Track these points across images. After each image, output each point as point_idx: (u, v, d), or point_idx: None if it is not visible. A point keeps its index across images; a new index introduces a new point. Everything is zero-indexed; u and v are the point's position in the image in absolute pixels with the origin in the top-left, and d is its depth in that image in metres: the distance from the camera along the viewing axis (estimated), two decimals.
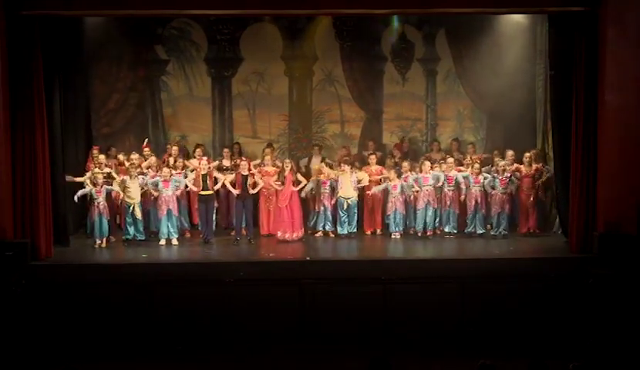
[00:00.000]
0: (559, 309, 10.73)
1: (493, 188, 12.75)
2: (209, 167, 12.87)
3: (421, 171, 12.93)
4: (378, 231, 13.30)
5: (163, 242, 12.37)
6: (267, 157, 13.21)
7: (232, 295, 10.72)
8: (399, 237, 12.86)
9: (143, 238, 12.45)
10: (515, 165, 12.90)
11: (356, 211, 12.96)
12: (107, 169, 12.67)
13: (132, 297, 10.66)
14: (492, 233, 12.77)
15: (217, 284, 10.73)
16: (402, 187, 12.88)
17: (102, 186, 12.24)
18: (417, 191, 12.80)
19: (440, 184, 12.84)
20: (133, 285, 10.70)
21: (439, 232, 13.06)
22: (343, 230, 12.84)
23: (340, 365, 10.08)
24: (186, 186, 12.77)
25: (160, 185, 12.42)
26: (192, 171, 12.89)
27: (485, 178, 12.82)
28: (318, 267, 11.15)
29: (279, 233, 12.58)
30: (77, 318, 10.58)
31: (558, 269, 10.99)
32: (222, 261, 11.55)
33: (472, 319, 10.77)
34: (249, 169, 12.70)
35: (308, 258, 11.59)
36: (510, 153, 13.14)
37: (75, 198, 12.28)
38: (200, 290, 10.73)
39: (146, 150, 13.37)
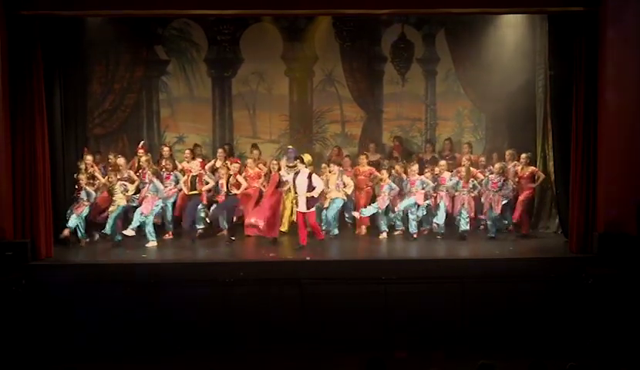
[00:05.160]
0: (559, 309, 10.73)
1: (487, 188, 12.78)
2: (201, 170, 12.86)
3: (407, 173, 12.98)
4: (364, 229, 13.28)
5: (129, 233, 12.22)
6: (249, 160, 13.24)
7: (232, 295, 10.72)
8: (385, 237, 12.89)
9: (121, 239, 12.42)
10: (511, 167, 12.95)
11: (337, 212, 12.96)
12: (91, 170, 12.67)
13: (132, 297, 10.65)
14: (489, 236, 12.75)
15: (217, 284, 10.72)
16: (391, 190, 12.92)
17: (82, 189, 12.24)
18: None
19: (426, 190, 12.84)
20: (133, 285, 10.69)
21: (425, 233, 13.08)
22: (333, 231, 12.93)
23: (340, 365, 10.07)
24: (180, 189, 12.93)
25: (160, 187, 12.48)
26: (182, 172, 13.06)
27: (474, 184, 12.85)
28: (318, 267, 11.16)
29: (252, 220, 12.44)
30: (77, 318, 10.57)
31: (558, 269, 10.98)
32: (222, 261, 11.55)
33: (472, 319, 10.76)
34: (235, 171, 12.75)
35: (308, 258, 11.59)
36: (508, 152, 13.24)
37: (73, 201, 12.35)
38: (200, 290, 10.72)
39: (141, 152, 13.33)
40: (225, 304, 10.68)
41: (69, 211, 12.23)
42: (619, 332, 10.22)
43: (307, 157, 12.76)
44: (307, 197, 12.02)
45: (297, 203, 12.31)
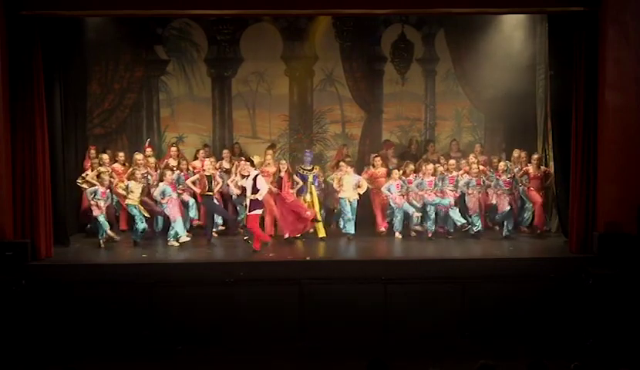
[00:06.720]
0: (559, 309, 10.73)
1: (498, 188, 12.80)
2: (215, 168, 12.91)
3: (423, 174, 12.99)
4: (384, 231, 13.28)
5: (176, 243, 12.28)
6: (269, 157, 13.23)
7: (232, 295, 10.71)
8: (400, 237, 12.89)
9: (140, 239, 12.44)
10: (524, 167, 12.98)
11: (355, 212, 12.97)
12: (102, 169, 12.68)
13: (132, 297, 10.64)
14: (504, 233, 12.78)
15: (217, 284, 10.72)
16: (402, 187, 12.91)
17: (107, 188, 12.30)
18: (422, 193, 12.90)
19: (436, 189, 12.91)
20: (133, 285, 10.68)
21: (441, 230, 13.08)
22: (350, 229, 12.87)
23: (339, 366, 10.06)
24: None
25: (169, 190, 12.41)
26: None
27: (485, 182, 12.88)
28: (318, 267, 11.16)
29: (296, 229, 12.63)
30: (77, 318, 10.57)
31: (558, 269, 10.98)
32: (222, 261, 11.56)
33: (472, 319, 10.75)
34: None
35: (308, 258, 11.60)
36: (515, 154, 13.27)
37: (89, 197, 12.36)
38: (200, 290, 10.71)
39: (149, 150, 13.36)
40: (225, 304, 10.68)
41: (101, 217, 12.21)
42: (619, 332, 10.21)
43: (256, 159, 12.72)
44: (250, 199, 11.85)
45: (246, 206, 12.20)
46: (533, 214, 13.05)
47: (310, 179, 13.00)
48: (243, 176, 12.29)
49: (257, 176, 11.95)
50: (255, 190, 11.82)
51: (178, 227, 12.34)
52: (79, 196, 13.15)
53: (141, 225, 12.29)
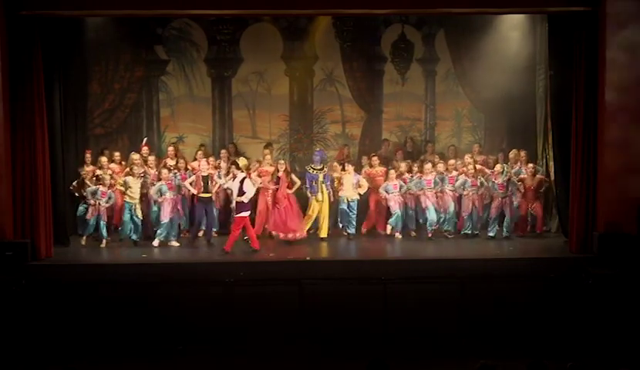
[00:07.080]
0: (559, 309, 10.73)
1: (494, 190, 12.81)
2: (215, 167, 12.90)
3: (422, 173, 13.00)
4: (382, 232, 13.28)
5: (157, 243, 12.30)
6: (268, 157, 13.23)
7: (232, 295, 10.71)
8: (400, 236, 12.90)
9: (138, 239, 12.43)
10: (522, 174, 12.99)
11: (356, 212, 12.98)
12: (100, 172, 12.68)
13: (132, 297, 10.65)
14: (489, 235, 12.77)
15: (217, 284, 10.72)
16: (400, 187, 12.92)
17: (108, 189, 12.30)
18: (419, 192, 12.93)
19: (436, 189, 12.94)
20: (133, 285, 10.69)
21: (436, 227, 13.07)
22: (350, 228, 12.90)
23: (339, 366, 10.07)
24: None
25: (165, 188, 12.41)
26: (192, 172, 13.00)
27: (483, 183, 12.89)
28: (318, 267, 11.16)
29: (281, 235, 12.54)
30: (77, 318, 10.58)
31: (558, 269, 10.98)
32: (222, 261, 11.56)
33: (472, 319, 10.75)
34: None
35: (308, 258, 11.59)
36: (511, 154, 13.26)
37: (89, 195, 12.35)
38: (200, 291, 10.72)
39: (145, 149, 13.36)
40: (225, 304, 10.68)
41: (91, 219, 12.22)
42: (619, 332, 10.21)
43: (242, 161, 12.72)
44: (236, 202, 11.92)
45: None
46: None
47: (320, 178, 12.93)
48: (230, 178, 12.35)
49: (244, 178, 11.98)
50: (241, 193, 11.85)
51: (163, 228, 12.32)
52: (78, 197, 13.13)
53: (127, 227, 12.31)
